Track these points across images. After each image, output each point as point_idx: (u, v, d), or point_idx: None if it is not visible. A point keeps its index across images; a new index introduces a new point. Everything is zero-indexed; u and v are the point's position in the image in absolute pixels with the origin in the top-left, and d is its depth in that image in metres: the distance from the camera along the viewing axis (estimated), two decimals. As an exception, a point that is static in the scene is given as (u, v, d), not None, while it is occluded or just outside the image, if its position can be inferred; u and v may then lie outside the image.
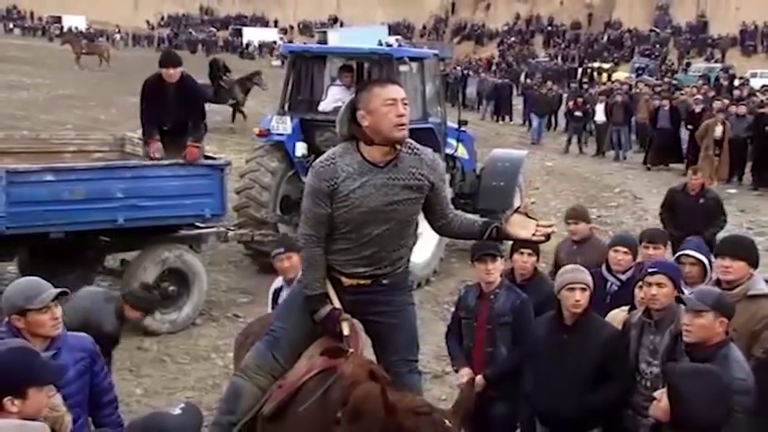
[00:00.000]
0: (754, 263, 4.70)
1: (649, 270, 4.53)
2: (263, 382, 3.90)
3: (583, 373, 4.47)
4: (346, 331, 3.75)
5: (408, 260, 4.02)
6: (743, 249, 4.72)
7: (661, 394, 3.38)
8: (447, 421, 2.90)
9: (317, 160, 3.86)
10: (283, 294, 5.60)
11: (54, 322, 3.78)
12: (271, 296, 5.76)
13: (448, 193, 4.00)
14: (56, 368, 3.27)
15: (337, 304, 3.82)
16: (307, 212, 3.85)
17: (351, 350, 3.69)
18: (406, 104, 3.71)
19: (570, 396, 4.44)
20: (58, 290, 3.83)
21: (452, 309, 5.55)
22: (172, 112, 8.16)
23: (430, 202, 3.87)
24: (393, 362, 3.85)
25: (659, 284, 4.34)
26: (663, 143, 19.28)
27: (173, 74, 8.04)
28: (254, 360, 3.96)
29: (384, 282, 3.88)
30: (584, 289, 4.58)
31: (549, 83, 29.09)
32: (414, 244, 4.03)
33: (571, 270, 4.74)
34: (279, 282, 5.66)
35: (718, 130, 16.91)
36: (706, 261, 5.04)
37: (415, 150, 3.80)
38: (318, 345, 3.83)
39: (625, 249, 5.50)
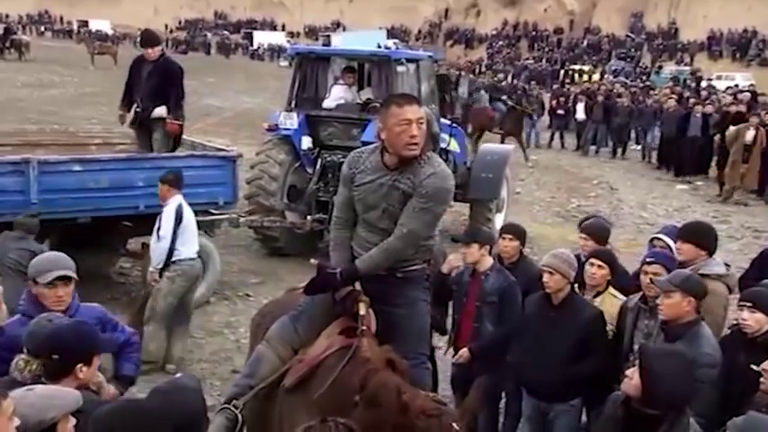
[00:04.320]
0: (705, 246, 4.71)
1: (647, 260, 4.55)
2: (283, 352, 3.88)
3: (566, 347, 4.47)
4: (362, 311, 3.71)
5: (425, 260, 3.91)
6: (692, 233, 4.80)
7: (633, 372, 3.36)
8: (455, 424, 2.89)
9: (353, 150, 3.94)
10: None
11: (56, 299, 3.79)
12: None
13: (416, 212, 3.63)
14: (110, 339, 3.31)
15: (357, 286, 3.78)
16: (338, 196, 3.96)
17: (363, 327, 3.65)
18: (421, 124, 3.60)
19: (555, 368, 4.45)
20: (61, 272, 3.82)
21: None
22: (146, 87, 8.05)
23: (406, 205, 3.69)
24: (405, 354, 3.71)
25: (655, 273, 4.33)
26: (695, 152, 17.07)
27: (151, 53, 7.98)
28: (278, 331, 3.95)
29: (398, 275, 3.83)
30: (551, 273, 4.53)
31: (533, 83, 28.93)
32: (432, 245, 3.95)
33: (550, 254, 4.71)
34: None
35: (749, 135, 14.54)
36: (674, 245, 5.06)
37: (423, 161, 3.68)
38: (337, 324, 3.80)
39: (584, 236, 5.40)
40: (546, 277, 4.56)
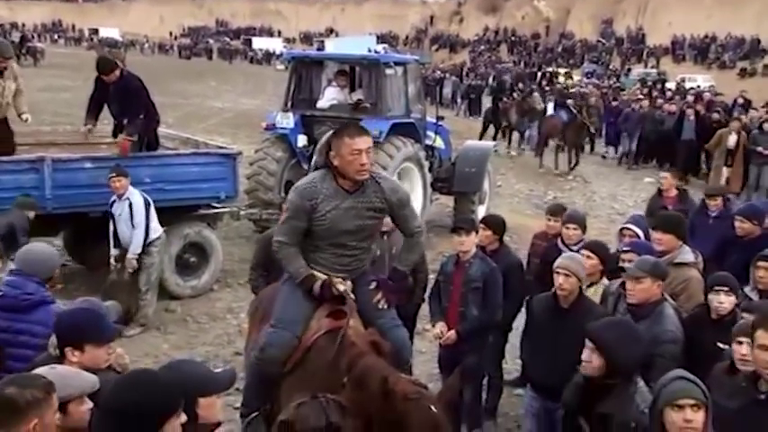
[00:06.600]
0: (681, 236, 4.76)
1: (623, 249, 4.57)
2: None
3: (575, 347, 4.05)
4: (342, 287, 3.78)
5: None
6: (671, 224, 4.81)
7: (589, 354, 3.35)
8: (433, 407, 2.90)
9: (300, 182, 3.90)
10: (116, 204, 6.88)
11: None
12: (110, 205, 6.92)
13: (408, 215, 3.98)
14: (112, 330, 3.27)
15: (323, 277, 3.81)
16: (285, 223, 3.88)
17: (350, 300, 3.74)
18: (369, 153, 3.72)
19: (566, 369, 4.02)
20: None
21: (434, 276, 5.49)
22: (113, 107, 7.82)
23: (395, 218, 3.99)
24: (382, 322, 3.83)
25: (631, 261, 4.32)
26: (688, 156, 15.61)
27: (107, 79, 7.59)
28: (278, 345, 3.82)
29: (364, 268, 4.01)
30: (567, 275, 4.22)
31: (521, 84, 28.15)
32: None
33: (562, 256, 4.47)
34: (113, 197, 6.90)
35: (732, 140, 13.40)
36: (641, 234, 5.09)
37: (377, 179, 3.85)
38: (323, 309, 3.82)
39: (574, 226, 5.48)
40: (562, 279, 4.23)
